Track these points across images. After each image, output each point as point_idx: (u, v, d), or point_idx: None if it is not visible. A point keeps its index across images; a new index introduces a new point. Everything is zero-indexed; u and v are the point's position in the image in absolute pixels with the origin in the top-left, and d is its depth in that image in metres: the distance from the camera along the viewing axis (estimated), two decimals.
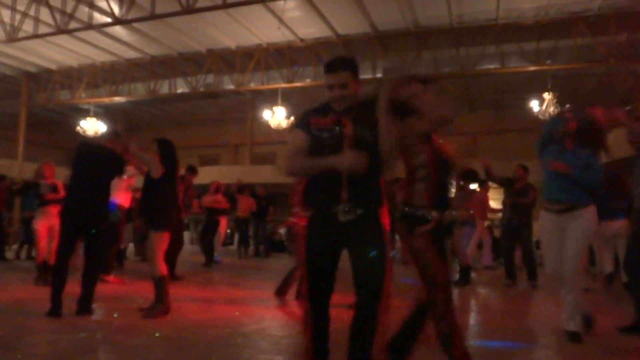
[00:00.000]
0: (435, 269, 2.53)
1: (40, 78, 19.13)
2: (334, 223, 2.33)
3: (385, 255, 2.31)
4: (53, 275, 4.41)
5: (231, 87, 16.68)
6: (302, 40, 15.08)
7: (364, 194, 2.34)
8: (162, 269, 4.39)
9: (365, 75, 15.41)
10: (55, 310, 4.17)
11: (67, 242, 4.39)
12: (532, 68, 14.07)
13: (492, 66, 14.55)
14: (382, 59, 15.32)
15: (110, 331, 3.78)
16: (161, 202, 4.43)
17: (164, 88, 17.64)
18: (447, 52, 14.57)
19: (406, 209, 2.64)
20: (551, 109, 14.74)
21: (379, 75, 15.28)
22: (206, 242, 9.51)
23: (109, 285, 6.03)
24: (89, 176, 4.47)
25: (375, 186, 2.39)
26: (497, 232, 11.82)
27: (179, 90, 17.55)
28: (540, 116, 15.04)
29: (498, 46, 14.10)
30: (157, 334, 3.66)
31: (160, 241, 4.38)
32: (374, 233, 2.34)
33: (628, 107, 16.37)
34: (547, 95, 14.80)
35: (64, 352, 3.19)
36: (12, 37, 14.20)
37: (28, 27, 14.01)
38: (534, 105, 15.22)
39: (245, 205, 11.14)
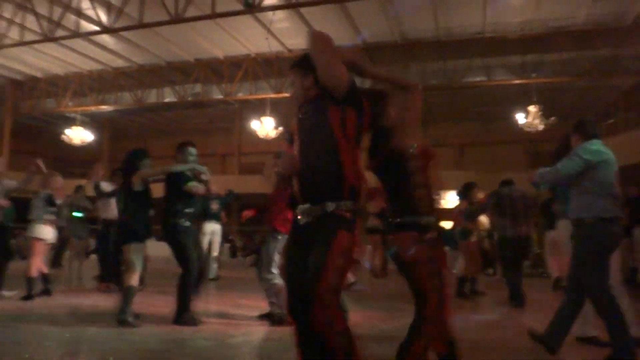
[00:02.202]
0: (442, 280, 2.43)
1: (25, 86, 18.92)
2: (297, 227, 2.28)
3: (323, 262, 2.09)
4: None
5: (219, 96, 16.66)
6: (290, 50, 15.13)
7: (317, 195, 2.21)
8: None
9: None
10: None
11: None
12: (518, 81, 14.28)
13: (478, 79, 14.74)
14: None
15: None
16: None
17: (151, 97, 17.55)
18: (434, 64, 14.73)
19: (405, 217, 2.48)
20: (536, 122, 14.93)
21: (366, 87, 15.36)
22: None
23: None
24: None
25: (332, 185, 2.20)
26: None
27: (167, 100, 17.49)
28: (526, 128, 15.24)
29: (484, 59, 14.30)
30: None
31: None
32: (321, 236, 2.16)
33: (610, 121, 16.71)
34: (532, 108, 14.99)
35: None
36: None
37: (14, 34, 13.89)
38: (520, 117, 15.41)
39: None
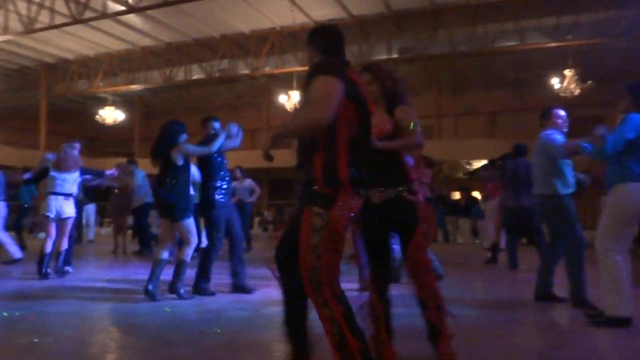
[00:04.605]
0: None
1: (58, 68, 19.35)
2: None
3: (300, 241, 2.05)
4: None
5: (246, 72, 16.66)
6: (315, 22, 14.93)
7: (304, 172, 2.15)
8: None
9: (380, 56, 15.26)
10: None
11: None
12: (552, 44, 13.76)
13: (510, 43, 14.25)
14: (397, 39, 15.12)
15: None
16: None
17: (179, 75, 17.71)
18: (464, 30, 14.30)
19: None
20: (572, 86, 14.41)
21: (394, 55, 15.10)
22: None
23: None
24: None
25: (312, 163, 2.09)
26: None
27: (195, 77, 17.62)
28: (561, 94, 14.73)
29: (516, 22, 13.79)
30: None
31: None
32: (299, 215, 2.11)
33: None
34: (568, 72, 14.46)
35: None
36: (29, 29, 14.36)
37: (44, 18, 14.14)
38: (555, 82, 14.90)
39: None
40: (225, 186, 4.85)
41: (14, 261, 6.97)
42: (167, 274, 4.62)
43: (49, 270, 5.81)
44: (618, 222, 3.49)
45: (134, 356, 2.91)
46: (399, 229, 2.56)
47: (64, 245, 5.99)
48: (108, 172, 7.05)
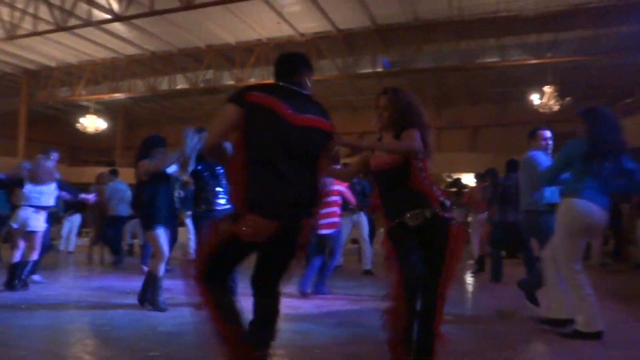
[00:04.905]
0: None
1: (40, 75, 19.08)
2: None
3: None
4: None
5: (231, 82, 16.63)
6: (302, 35, 15.02)
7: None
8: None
9: (365, 69, 15.38)
10: None
11: None
12: (533, 61, 14.00)
13: (493, 59, 14.48)
14: (383, 53, 15.26)
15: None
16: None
17: (163, 84, 17.60)
18: (448, 45, 14.49)
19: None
20: (551, 102, 14.68)
21: (379, 69, 15.23)
22: None
23: None
24: None
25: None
26: None
27: (179, 86, 17.52)
28: (541, 109, 14.99)
29: (499, 39, 14.04)
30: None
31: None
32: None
33: (629, 100, 16.34)
34: (547, 89, 14.73)
35: None
36: (12, 35, 14.18)
37: (27, 24, 13.97)
38: (535, 98, 15.16)
39: None
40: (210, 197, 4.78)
41: None
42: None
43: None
44: (569, 239, 3.62)
45: None
46: (434, 248, 2.58)
47: (33, 256, 5.79)
48: (83, 196, 6.88)
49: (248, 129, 2.12)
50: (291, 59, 2.43)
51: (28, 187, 5.72)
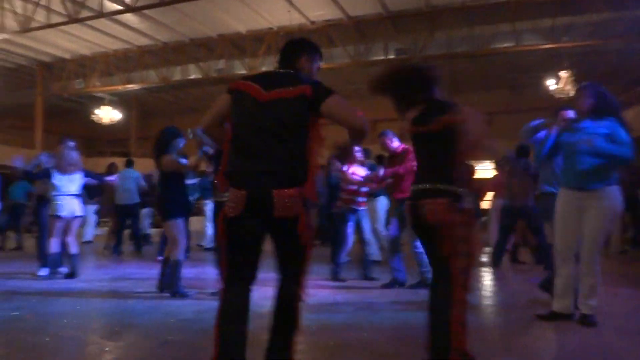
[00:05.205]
0: (470, 247, 2.60)
1: (54, 67, 19.28)
2: None
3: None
4: None
5: (243, 72, 16.65)
6: (312, 22, 14.96)
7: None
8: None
9: (377, 56, 15.30)
10: None
11: None
12: (548, 46, 13.79)
13: (506, 45, 14.29)
14: (394, 40, 15.15)
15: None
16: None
17: (176, 74, 17.68)
18: (460, 31, 14.33)
19: (440, 184, 2.57)
20: (568, 88, 14.48)
21: (391, 57, 15.13)
22: None
23: None
24: None
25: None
26: None
27: (192, 76, 17.59)
28: (557, 95, 14.79)
29: (512, 24, 13.84)
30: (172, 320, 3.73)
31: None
32: None
33: None
34: (563, 74, 14.52)
35: None
36: (26, 28, 14.31)
37: (40, 17, 14.09)
38: (550, 83, 14.96)
39: None
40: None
41: None
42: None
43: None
44: (612, 226, 3.68)
45: (132, 355, 2.92)
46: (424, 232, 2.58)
47: (72, 244, 5.94)
48: (108, 178, 7.10)
49: (232, 113, 2.33)
50: (287, 45, 2.47)
51: (57, 177, 5.84)
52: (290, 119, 2.20)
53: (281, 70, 2.38)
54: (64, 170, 5.87)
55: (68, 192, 5.87)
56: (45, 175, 5.98)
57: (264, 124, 2.21)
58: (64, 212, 5.82)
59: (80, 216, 6.06)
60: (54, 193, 5.86)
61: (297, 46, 2.45)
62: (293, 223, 2.15)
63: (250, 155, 2.20)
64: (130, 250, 8.89)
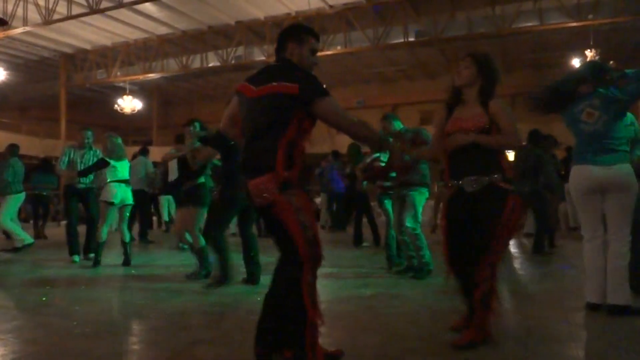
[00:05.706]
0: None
1: (76, 58, 19.57)
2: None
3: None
4: None
5: (262, 58, 16.64)
6: (331, 6, 14.81)
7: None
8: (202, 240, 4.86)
9: (397, 39, 15.10)
10: None
11: None
12: (573, 24, 13.40)
13: (529, 24, 13.94)
14: (414, 22, 14.92)
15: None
16: None
17: (195, 63, 17.77)
18: (482, 11, 14.03)
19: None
20: None
21: (411, 39, 14.92)
22: None
23: None
24: None
25: None
26: None
27: (211, 64, 17.65)
28: None
29: (536, 2, 13.48)
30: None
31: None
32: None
33: None
34: (589, 53, 14.12)
35: None
36: (48, 20, 14.52)
37: (62, 9, 14.27)
38: (576, 63, 14.57)
39: None
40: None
41: (17, 249, 7.07)
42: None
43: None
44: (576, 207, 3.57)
45: (155, 338, 2.98)
46: (486, 218, 2.65)
47: (124, 232, 5.99)
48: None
49: (240, 113, 2.47)
50: (278, 38, 2.48)
51: (113, 164, 5.87)
52: (268, 114, 2.25)
53: (275, 63, 2.44)
54: (117, 157, 5.91)
55: (122, 177, 5.92)
56: (102, 165, 5.92)
57: (253, 120, 2.32)
58: (117, 200, 5.84)
59: (131, 204, 6.07)
60: (108, 180, 5.87)
61: (282, 34, 2.46)
62: (271, 209, 2.21)
63: (243, 150, 2.38)
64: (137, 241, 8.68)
